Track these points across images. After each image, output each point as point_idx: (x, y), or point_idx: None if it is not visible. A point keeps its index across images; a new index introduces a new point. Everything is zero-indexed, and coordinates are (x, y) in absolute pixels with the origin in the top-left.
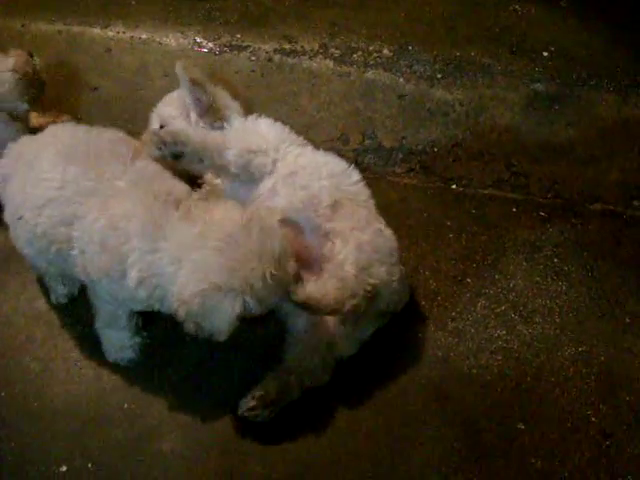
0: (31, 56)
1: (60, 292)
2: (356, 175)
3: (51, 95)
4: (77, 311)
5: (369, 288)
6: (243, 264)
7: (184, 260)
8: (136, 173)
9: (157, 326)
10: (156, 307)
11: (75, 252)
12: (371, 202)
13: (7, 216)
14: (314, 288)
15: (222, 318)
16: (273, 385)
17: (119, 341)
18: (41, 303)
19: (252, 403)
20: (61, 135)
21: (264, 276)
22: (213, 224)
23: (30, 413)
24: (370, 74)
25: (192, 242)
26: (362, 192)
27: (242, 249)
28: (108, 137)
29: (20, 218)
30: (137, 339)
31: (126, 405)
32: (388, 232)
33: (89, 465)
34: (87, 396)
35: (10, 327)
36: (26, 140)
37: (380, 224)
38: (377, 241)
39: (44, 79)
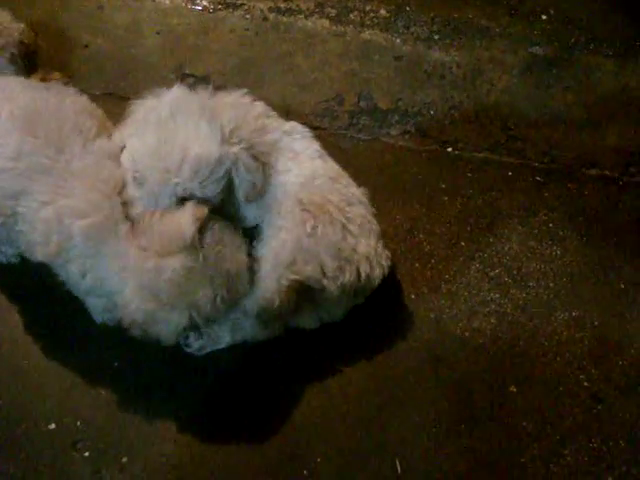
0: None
1: (10, 252)
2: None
3: (41, 52)
4: None
5: (286, 283)
6: (194, 289)
7: (129, 278)
8: (94, 155)
9: None
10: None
11: (19, 228)
12: (335, 195)
13: None
14: None
15: (167, 329)
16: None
17: (100, 304)
18: (28, 260)
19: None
20: (16, 95)
21: (214, 300)
22: (165, 244)
23: (18, 371)
24: (366, 34)
25: (139, 262)
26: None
27: (196, 276)
28: (72, 105)
29: None
30: None
31: (116, 364)
32: (327, 229)
33: (78, 423)
34: (76, 354)
35: None
36: None
37: (322, 220)
38: (305, 239)
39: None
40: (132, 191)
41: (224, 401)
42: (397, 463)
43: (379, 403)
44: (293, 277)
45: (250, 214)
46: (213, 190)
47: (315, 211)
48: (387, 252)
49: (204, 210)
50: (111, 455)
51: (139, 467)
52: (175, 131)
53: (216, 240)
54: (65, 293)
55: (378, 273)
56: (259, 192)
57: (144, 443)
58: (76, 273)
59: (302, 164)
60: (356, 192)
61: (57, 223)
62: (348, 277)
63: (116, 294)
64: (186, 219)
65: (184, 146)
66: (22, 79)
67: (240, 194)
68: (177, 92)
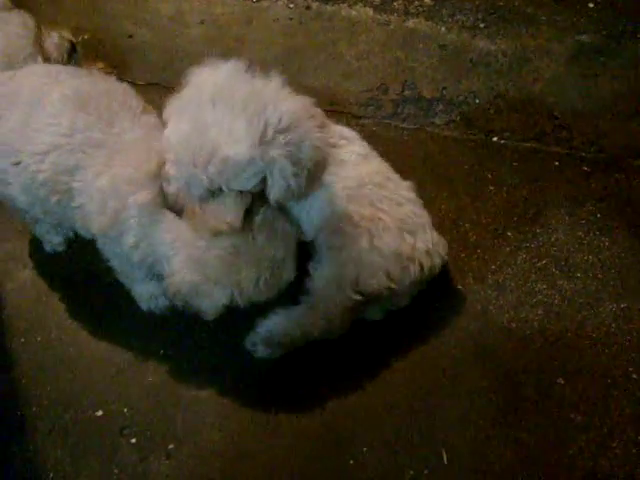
0: (74, 49)
1: (56, 241)
2: None
3: (86, 42)
4: None
5: (350, 304)
6: (239, 268)
7: (180, 249)
8: (144, 128)
9: None
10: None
11: (75, 204)
12: (385, 203)
13: None
14: None
15: (209, 304)
16: (279, 328)
17: (147, 291)
18: (76, 248)
19: (255, 340)
20: (65, 79)
21: (257, 281)
22: (214, 231)
23: (66, 358)
24: (411, 23)
25: (190, 236)
26: None
27: (243, 256)
28: (118, 87)
29: (18, 164)
30: None
31: (162, 351)
32: (384, 238)
33: (125, 410)
34: (123, 342)
35: (46, 272)
36: (19, 78)
37: (377, 231)
38: (366, 255)
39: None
40: (169, 169)
41: (269, 389)
42: (443, 453)
43: (425, 393)
44: (356, 297)
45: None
46: (243, 186)
47: (368, 224)
48: (443, 240)
49: (247, 200)
50: (158, 442)
51: (185, 454)
52: (210, 123)
53: (266, 224)
54: (112, 281)
55: (438, 262)
56: (294, 197)
57: (190, 430)
58: (130, 244)
59: (347, 174)
60: (403, 192)
61: (113, 191)
62: (414, 275)
63: (166, 261)
64: (231, 212)
65: (215, 143)
66: (69, 67)
67: (270, 196)
68: (228, 71)
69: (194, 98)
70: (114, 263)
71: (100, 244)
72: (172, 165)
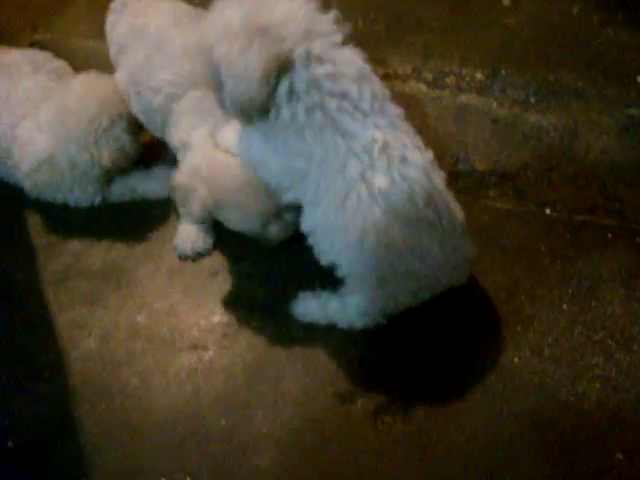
0: None
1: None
2: None
3: None
4: (178, 325)
5: None
6: None
7: None
8: None
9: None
10: None
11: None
12: None
13: (122, 82)
14: None
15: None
16: None
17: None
18: (141, 318)
19: None
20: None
21: None
22: None
23: (130, 426)
24: (463, 98)
25: None
26: None
27: None
28: None
29: (138, 93)
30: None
31: (224, 421)
32: None
33: (187, 479)
34: (186, 411)
35: (110, 341)
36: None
37: None
38: None
39: None
40: None
41: (331, 463)
42: None
43: (483, 468)
44: None
45: None
46: None
47: None
48: None
49: None
50: None
51: None
52: None
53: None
54: (175, 348)
55: None
56: None
57: None
58: None
59: None
60: None
61: None
62: None
63: None
64: None
65: None
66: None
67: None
68: None
69: None
70: None
71: None
72: None
